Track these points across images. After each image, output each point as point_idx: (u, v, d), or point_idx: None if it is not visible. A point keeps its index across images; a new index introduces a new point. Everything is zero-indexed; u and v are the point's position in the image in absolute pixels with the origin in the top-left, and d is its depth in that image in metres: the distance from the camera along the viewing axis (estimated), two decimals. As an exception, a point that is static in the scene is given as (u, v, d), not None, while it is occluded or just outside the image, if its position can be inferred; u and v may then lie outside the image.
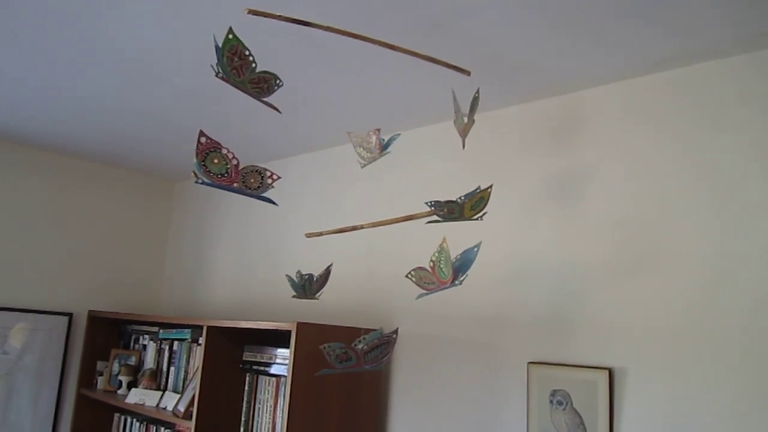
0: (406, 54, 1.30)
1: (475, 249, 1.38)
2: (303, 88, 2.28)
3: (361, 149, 1.48)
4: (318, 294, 1.51)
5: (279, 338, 2.53)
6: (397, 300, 2.53)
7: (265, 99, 1.31)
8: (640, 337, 1.86)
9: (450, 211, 1.36)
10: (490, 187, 1.40)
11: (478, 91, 1.48)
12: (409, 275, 1.38)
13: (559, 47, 1.85)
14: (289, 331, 2.22)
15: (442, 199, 1.37)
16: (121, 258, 3.72)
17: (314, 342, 2.20)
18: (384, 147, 1.46)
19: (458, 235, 2.33)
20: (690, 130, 1.88)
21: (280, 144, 3.01)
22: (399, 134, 1.55)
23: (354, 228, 1.44)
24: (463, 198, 1.35)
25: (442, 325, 2.36)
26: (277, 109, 1.35)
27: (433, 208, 1.36)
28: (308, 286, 1.48)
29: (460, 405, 2.24)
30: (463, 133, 1.41)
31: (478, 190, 1.36)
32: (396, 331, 1.40)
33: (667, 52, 1.84)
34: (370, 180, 2.76)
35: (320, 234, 1.50)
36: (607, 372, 1.88)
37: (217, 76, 1.25)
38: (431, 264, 1.37)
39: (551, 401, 1.99)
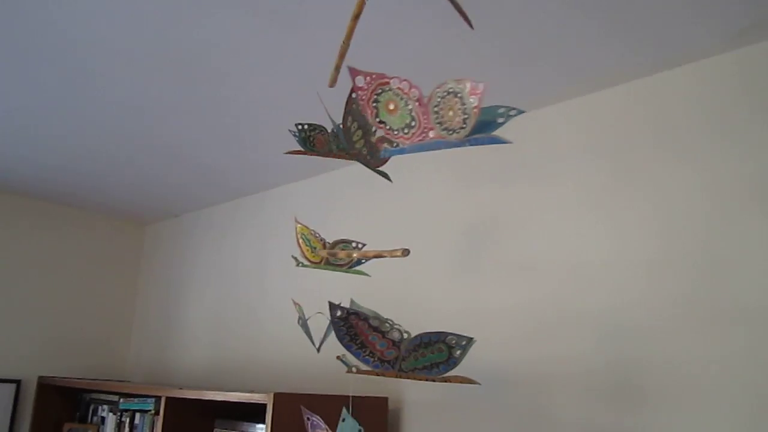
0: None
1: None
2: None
3: None
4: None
5: (259, 411, 2.04)
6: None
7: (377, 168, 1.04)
8: (734, 405, 1.38)
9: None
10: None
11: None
12: None
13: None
14: (265, 405, 1.74)
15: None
16: (80, 314, 3.26)
17: (296, 416, 1.71)
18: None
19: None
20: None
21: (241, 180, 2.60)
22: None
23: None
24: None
25: (462, 389, 1.86)
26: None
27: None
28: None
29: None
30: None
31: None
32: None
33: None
34: (365, 207, 2.33)
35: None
36: (691, 456, 1.40)
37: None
38: None
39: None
